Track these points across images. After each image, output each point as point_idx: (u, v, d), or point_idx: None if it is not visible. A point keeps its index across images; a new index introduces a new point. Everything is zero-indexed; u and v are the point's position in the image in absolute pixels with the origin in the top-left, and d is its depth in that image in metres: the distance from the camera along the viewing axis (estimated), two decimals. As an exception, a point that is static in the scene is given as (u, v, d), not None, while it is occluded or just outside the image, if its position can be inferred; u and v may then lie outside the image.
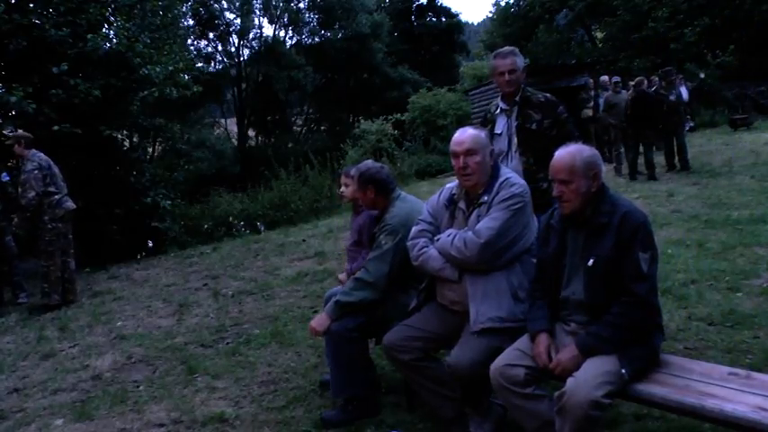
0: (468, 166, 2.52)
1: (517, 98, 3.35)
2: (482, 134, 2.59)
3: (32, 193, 5.73)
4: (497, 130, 3.40)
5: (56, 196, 5.94)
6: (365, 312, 2.93)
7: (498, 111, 3.44)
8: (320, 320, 2.98)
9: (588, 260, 2.22)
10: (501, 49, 3.44)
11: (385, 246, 2.88)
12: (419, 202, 3.09)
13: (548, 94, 3.43)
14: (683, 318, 3.73)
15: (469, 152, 2.52)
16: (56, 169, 6.06)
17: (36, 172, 5.80)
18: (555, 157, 2.29)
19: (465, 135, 2.57)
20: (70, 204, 6.11)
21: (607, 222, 2.19)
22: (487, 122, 3.49)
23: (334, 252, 7.02)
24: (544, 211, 2.52)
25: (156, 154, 18.26)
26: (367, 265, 2.92)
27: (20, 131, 6.17)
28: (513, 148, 3.33)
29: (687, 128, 9.89)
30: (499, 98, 3.48)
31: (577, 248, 2.28)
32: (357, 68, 29.96)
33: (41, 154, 5.99)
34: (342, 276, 3.66)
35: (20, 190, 5.85)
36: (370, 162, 3.22)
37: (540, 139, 3.24)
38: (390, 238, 2.88)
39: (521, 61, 3.34)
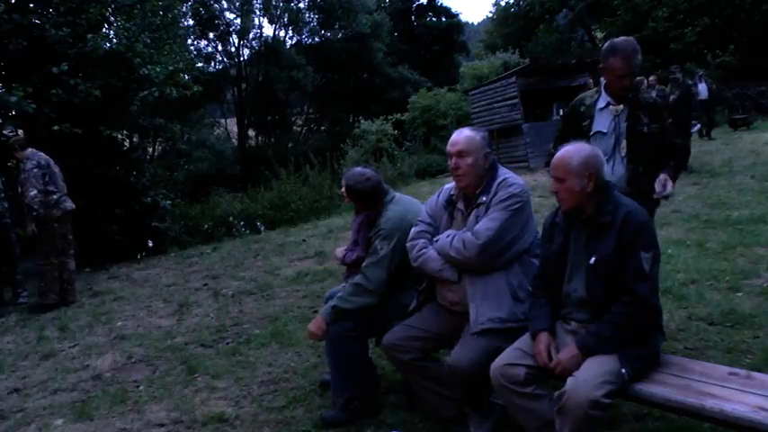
0: (460, 167, 2.53)
1: (630, 95, 2.90)
2: (478, 136, 2.56)
3: (34, 191, 5.70)
4: (602, 129, 2.93)
5: (54, 196, 5.90)
6: (365, 313, 2.93)
7: (604, 106, 2.96)
8: (317, 324, 2.96)
9: (590, 258, 2.22)
10: (623, 47, 2.79)
11: (381, 252, 2.85)
12: (414, 202, 3.07)
13: (655, 96, 3.11)
14: (683, 318, 3.72)
15: (461, 153, 2.52)
16: (56, 169, 6.04)
17: (36, 170, 5.78)
18: (556, 154, 2.30)
19: (460, 136, 2.57)
20: (69, 205, 6.08)
21: (610, 221, 2.19)
22: (582, 118, 3.02)
23: (335, 252, 7.00)
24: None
25: (156, 154, 18.30)
26: (365, 271, 2.87)
27: (14, 135, 6.17)
28: (621, 152, 2.88)
29: (695, 129, 9.84)
30: (602, 90, 2.99)
31: (580, 246, 2.29)
32: (357, 68, 29.99)
33: (41, 153, 5.97)
34: (338, 251, 3.59)
35: (20, 189, 5.85)
36: (357, 171, 3.08)
37: (651, 145, 2.85)
38: (386, 243, 2.85)
39: (639, 59, 2.80)
